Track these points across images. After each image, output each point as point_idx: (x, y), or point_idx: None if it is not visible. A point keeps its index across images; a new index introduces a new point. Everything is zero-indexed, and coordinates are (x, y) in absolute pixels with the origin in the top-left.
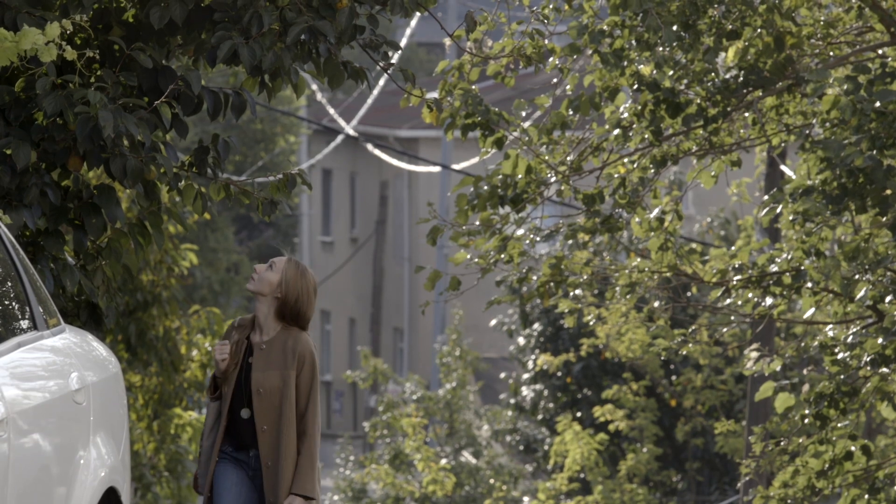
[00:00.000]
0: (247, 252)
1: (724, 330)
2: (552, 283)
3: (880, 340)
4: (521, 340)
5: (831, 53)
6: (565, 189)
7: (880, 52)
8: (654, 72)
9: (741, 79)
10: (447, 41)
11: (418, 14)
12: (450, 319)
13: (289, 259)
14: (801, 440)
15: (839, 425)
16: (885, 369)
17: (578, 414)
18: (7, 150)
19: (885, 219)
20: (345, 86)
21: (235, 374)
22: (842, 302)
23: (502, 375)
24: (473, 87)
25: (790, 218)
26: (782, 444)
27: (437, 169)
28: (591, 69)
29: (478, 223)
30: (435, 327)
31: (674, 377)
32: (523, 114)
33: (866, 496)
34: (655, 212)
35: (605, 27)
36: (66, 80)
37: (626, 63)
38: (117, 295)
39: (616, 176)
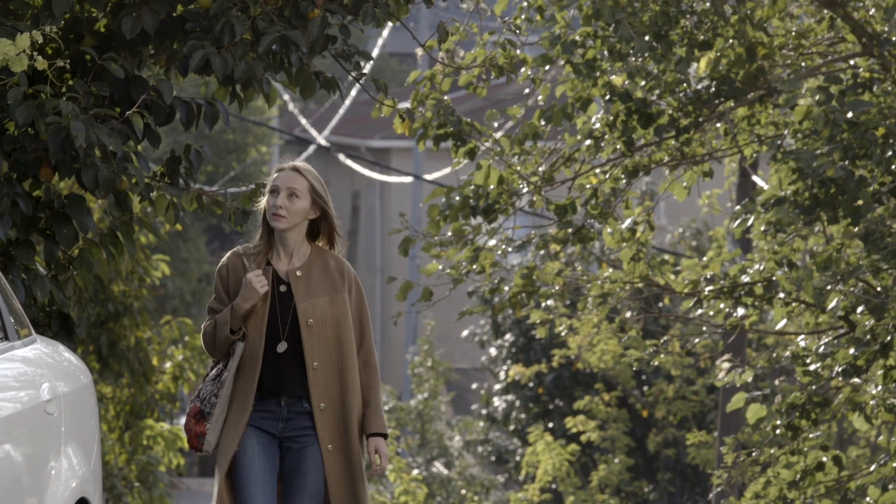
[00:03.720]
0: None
1: (696, 341)
2: (524, 294)
3: (852, 351)
4: (493, 351)
5: (803, 64)
6: (537, 199)
7: (852, 62)
8: (627, 82)
9: (713, 89)
10: (419, 51)
11: (390, 24)
12: (421, 330)
13: (294, 168)
14: (772, 451)
15: (811, 436)
16: (856, 380)
17: (550, 424)
18: None
19: (856, 229)
20: (317, 96)
21: (266, 309)
22: (813, 312)
23: (474, 386)
24: (445, 97)
25: (762, 228)
26: (754, 454)
27: (408, 179)
28: (563, 80)
29: (450, 234)
30: (407, 338)
31: (645, 388)
32: (495, 124)
33: None
34: (627, 222)
35: (577, 38)
36: (38, 90)
37: (598, 73)
38: (89, 305)
39: (588, 186)
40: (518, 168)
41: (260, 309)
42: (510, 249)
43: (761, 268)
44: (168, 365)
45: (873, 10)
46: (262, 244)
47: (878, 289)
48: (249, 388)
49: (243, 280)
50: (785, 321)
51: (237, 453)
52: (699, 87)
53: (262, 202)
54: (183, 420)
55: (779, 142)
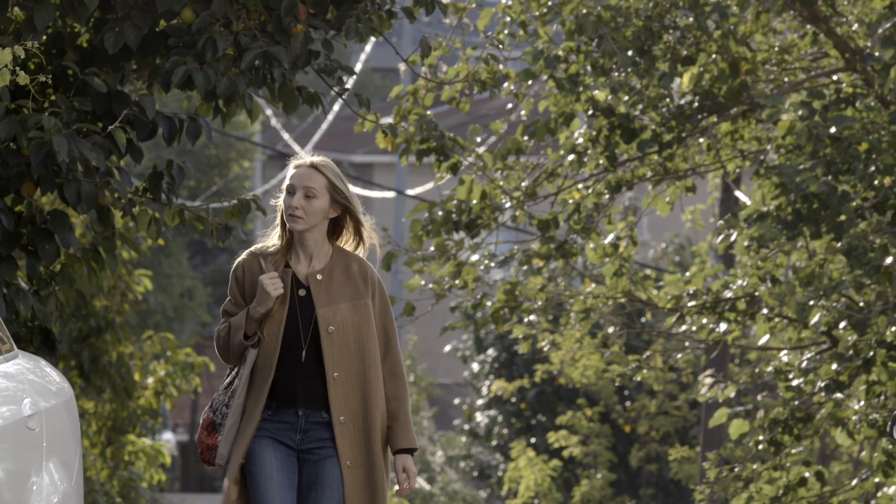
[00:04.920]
0: (200, 277)
1: (679, 356)
2: (506, 309)
3: (834, 366)
4: (476, 366)
5: (786, 79)
6: (520, 215)
7: (835, 77)
8: (609, 97)
9: (696, 104)
10: (402, 66)
11: (373, 39)
12: (404, 345)
13: (311, 165)
14: (755, 466)
15: (793, 451)
16: (838, 395)
17: (532, 440)
18: None
19: (839, 244)
20: (299, 111)
21: (284, 314)
22: (796, 328)
23: (456, 401)
24: (428, 112)
25: (745, 244)
26: (736, 470)
27: (391, 194)
28: (546, 95)
29: (432, 249)
30: None
31: (628, 403)
32: (478, 139)
33: None
34: (610, 237)
35: (560, 52)
36: (20, 105)
37: (581, 88)
38: (70, 320)
39: (571, 201)
40: (501, 183)
41: (277, 314)
42: (493, 264)
43: (744, 283)
44: (150, 380)
45: (856, 25)
46: (281, 244)
47: (861, 304)
48: (260, 397)
49: (258, 282)
50: (768, 336)
51: (253, 469)
52: (682, 102)
53: (279, 200)
54: (165, 436)
55: (762, 157)
